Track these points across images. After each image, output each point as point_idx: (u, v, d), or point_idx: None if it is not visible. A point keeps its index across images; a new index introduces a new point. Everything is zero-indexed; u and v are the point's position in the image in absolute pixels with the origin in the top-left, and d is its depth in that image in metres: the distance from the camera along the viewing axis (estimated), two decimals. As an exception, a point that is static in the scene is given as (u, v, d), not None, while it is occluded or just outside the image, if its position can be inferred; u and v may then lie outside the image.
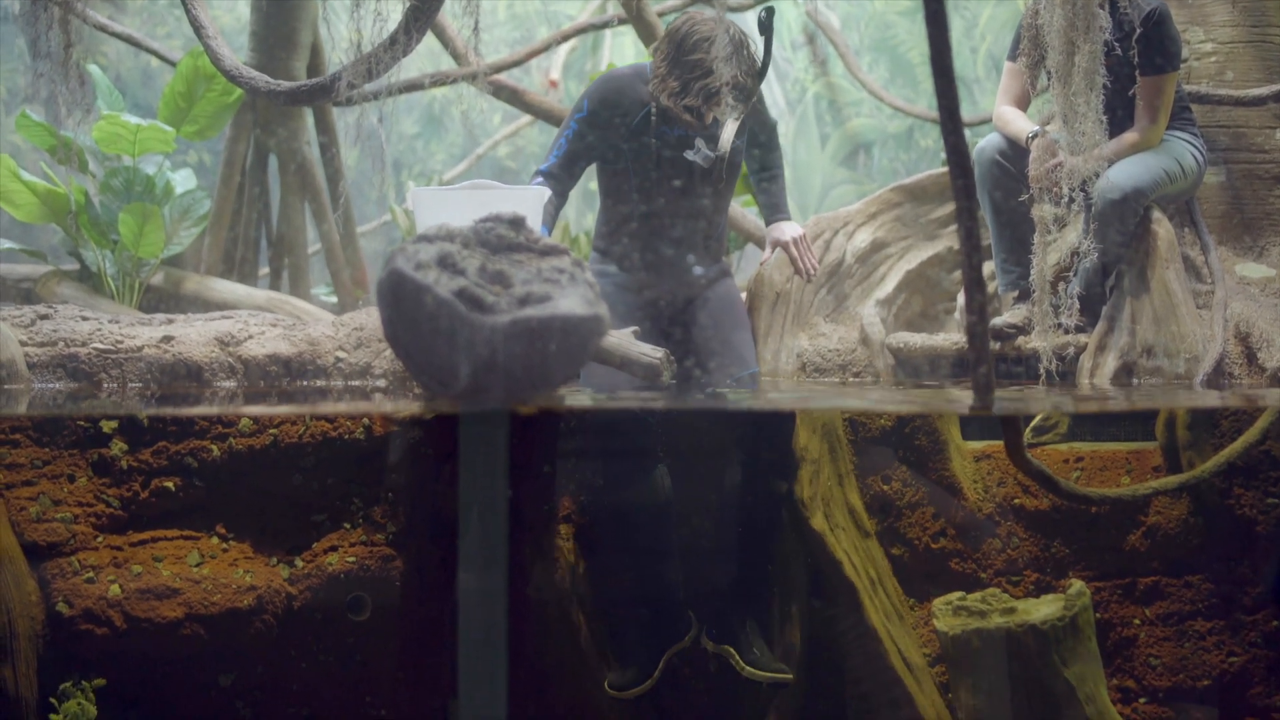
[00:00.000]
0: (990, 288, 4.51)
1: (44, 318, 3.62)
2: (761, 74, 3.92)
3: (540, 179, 4.00)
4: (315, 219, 6.07)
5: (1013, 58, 4.34)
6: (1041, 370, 3.93)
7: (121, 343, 3.56)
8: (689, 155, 3.96)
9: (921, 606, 3.91)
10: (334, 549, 3.62)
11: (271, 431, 3.61)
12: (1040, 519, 3.96)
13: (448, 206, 3.59)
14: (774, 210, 4.34)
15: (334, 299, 6.23)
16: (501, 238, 2.58)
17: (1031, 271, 3.94)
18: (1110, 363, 4.11)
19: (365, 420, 3.65)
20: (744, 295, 4.51)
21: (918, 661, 3.82)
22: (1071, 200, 3.79)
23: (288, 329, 3.75)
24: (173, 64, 5.89)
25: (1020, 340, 4.30)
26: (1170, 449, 3.99)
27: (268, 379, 3.65)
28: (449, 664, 3.60)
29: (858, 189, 7.80)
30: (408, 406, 3.68)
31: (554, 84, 7.69)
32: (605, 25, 6.80)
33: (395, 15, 3.65)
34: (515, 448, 2.60)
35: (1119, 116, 4.12)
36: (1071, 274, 4.35)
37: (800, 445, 3.81)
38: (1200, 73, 4.65)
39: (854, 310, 4.62)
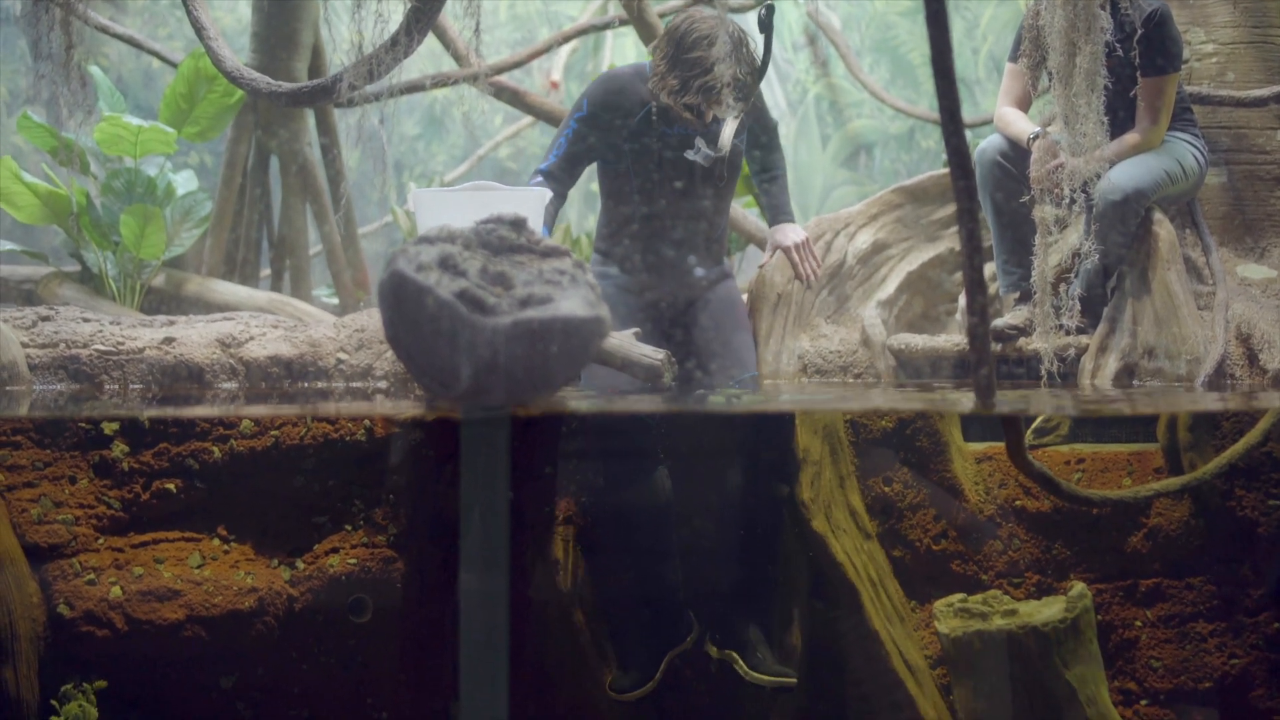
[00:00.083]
0: (991, 289, 4.51)
1: (45, 319, 3.62)
2: (761, 72, 3.92)
3: (539, 178, 4.00)
4: (316, 220, 6.07)
5: (1014, 59, 4.34)
6: (1043, 372, 3.93)
7: (123, 344, 3.57)
8: (689, 155, 3.95)
9: (923, 608, 3.91)
10: (335, 551, 3.62)
11: (273, 433, 3.61)
12: (1041, 521, 3.96)
13: (449, 208, 3.59)
14: (776, 212, 4.33)
15: (335, 300, 6.24)
16: (503, 239, 2.58)
17: (1033, 273, 3.93)
18: (1111, 364, 4.11)
19: (366, 422, 3.65)
20: (745, 296, 4.51)
21: (919, 663, 3.82)
22: (1073, 201, 3.79)
23: (289, 330, 3.75)
24: (174, 65, 5.89)
25: (1021, 341, 4.30)
26: (1172, 450, 3.98)
27: (269, 380, 3.65)
28: (450, 666, 3.60)
29: (859, 190, 7.79)
30: (409, 408, 3.68)
31: (555, 85, 7.69)
32: (606, 26, 6.79)
33: (396, 16, 3.65)
34: (516, 449, 2.60)
35: (1120, 118, 4.11)
36: (1073, 275, 4.35)
37: (801, 447, 3.80)
38: (1201, 74, 4.65)
39: (855, 311, 4.62)
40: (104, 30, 6.20)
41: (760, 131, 4.26)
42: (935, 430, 3.96)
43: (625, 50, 7.83)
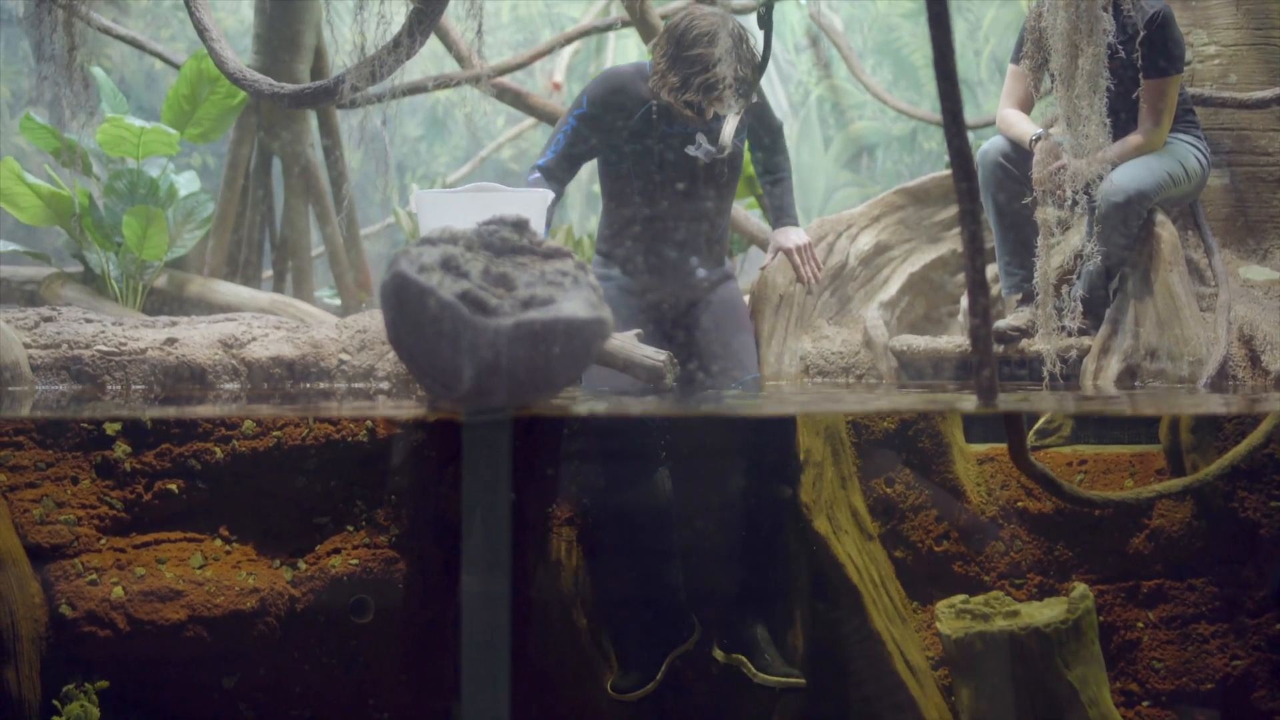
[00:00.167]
0: (993, 290, 4.51)
1: (48, 320, 3.62)
2: (761, 68, 3.91)
3: (538, 174, 3.99)
4: (319, 221, 6.07)
5: (1016, 60, 4.34)
6: (1045, 373, 3.93)
7: (125, 345, 3.57)
8: (690, 150, 3.94)
9: (924, 609, 3.91)
10: (337, 551, 3.62)
11: (275, 434, 3.62)
12: (1043, 522, 3.96)
13: (451, 209, 3.59)
14: (780, 214, 4.32)
15: (337, 301, 6.24)
16: (505, 240, 2.58)
17: (1035, 274, 3.93)
18: (1114, 365, 4.11)
19: (368, 423, 3.65)
20: (747, 298, 4.51)
21: (921, 664, 3.82)
22: (1075, 203, 3.79)
23: (291, 331, 3.75)
24: (177, 67, 5.90)
25: (1024, 343, 4.30)
26: (1174, 452, 3.98)
27: (271, 381, 3.65)
28: (452, 666, 3.60)
29: (861, 191, 7.79)
30: (411, 409, 3.68)
31: (557, 86, 7.69)
32: (609, 28, 6.80)
33: (399, 18, 3.65)
34: (518, 450, 2.60)
35: (1122, 119, 4.11)
36: (1075, 277, 4.35)
37: (803, 448, 3.80)
38: (1204, 75, 4.65)
39: (857, 313, 4.62)
40: (107, 32, 6.21)
41: (764, 133, 4.26)
42: (937, 431, 3.96)
43: (627, 51, 7.83)
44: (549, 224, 3.96)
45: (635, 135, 3.98)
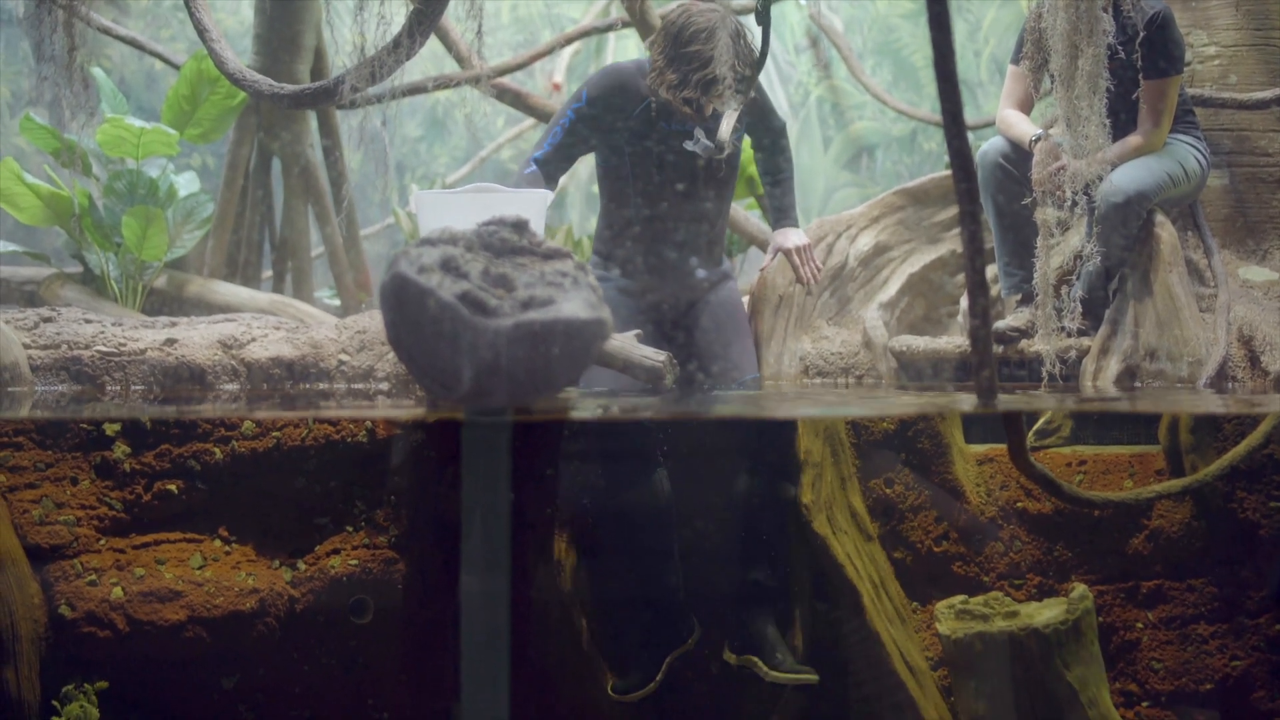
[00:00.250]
0: (993, 291, 4.51)
1: (47, 320, 3.62)
2: (759, 65, 3.91)
3: (533, 166, 3.98)
4: (318, 222, 6.08)
5: (1016, 61, 4.34)
6: (1044, 373, 3.93)
7: (125, 345, 3.57)
8: (688, 145, 3.94)
9: (924, 610, 3.91)
10: (336, 552, 3.62)
11: (274, 434, 3.62)
12: (1043, 522, 3.96)
13: (451, 210, 3.59)
14: (780, 215, 4.32)
15: (337, 302, 6.24)
16: (504, 241, 2.58)
17: (1034, 275, 3.93)
18: (1113, 366, 4.11)
19: (368, 423, 3.65)
20: (746, 298, 4.51)
21: (920, 665, 3.82)
22: (1074, 204, 3.79)
23: (291, 332, 3.75)
24: (176, 67, 5.90)
25: (1023, 343, 4.30)
26: (1173, 452, 3.98)
27: (271, 382, 3.65)
28: (451, 667, 3.60)
29: (861, 192, 7.80)
30: (410, 410, 3.68)
31: (557, 87, 7.70)
32: (609, 28, 6.80)
33: (399, 18, 3.65)
34: (518, 451, 2.60)
35: (1122, 120, 4.11)
36: (1074, 277, 4.35)
37: (803, 449, 3.80)
38: (1203, 76, 4.65)
39: (857, 313, 4.62)
40: (106, 32, 6.21)
41: (765, 133, 4.26)
42: (937, 432, 3.96)
43: (627, 51, 7.84)
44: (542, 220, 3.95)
45: (634, 133, 3.97)
